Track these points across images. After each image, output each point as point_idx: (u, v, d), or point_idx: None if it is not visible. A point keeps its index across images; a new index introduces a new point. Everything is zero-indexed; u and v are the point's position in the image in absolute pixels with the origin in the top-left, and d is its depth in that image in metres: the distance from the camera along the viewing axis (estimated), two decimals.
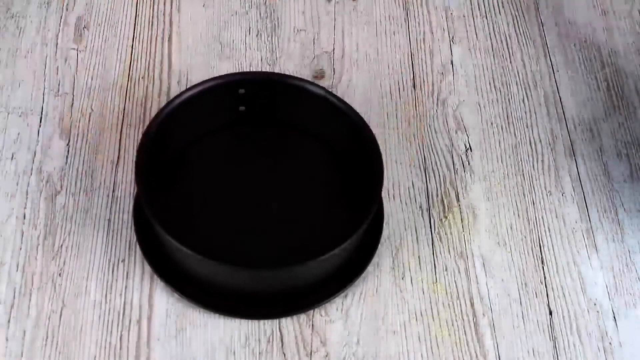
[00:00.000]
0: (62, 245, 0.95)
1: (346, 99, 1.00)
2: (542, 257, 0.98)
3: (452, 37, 1.16)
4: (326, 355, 0.90)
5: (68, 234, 0.95)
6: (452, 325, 0.92)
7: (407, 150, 1.05)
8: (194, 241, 0.87)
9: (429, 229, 0.99)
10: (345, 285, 0.93)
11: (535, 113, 1.10)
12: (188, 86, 1.02)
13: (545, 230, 1.00)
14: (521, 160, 1.05)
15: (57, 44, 1.11)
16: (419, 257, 0.97)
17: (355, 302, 0.93)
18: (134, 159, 0.93)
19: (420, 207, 1.00)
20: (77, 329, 0.89)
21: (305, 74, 1.10)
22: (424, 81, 1.11)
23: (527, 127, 1.08)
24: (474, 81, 1.12)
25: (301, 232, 0.95)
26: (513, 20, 1.19)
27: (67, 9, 1.14)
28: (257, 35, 1.15)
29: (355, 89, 1.10)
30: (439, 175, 1.03)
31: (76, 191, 0.99)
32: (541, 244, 0.99)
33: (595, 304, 0.95)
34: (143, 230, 0.94)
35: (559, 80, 1.13)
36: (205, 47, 1.13)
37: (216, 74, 1.03)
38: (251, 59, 1.12)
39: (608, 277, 0.97)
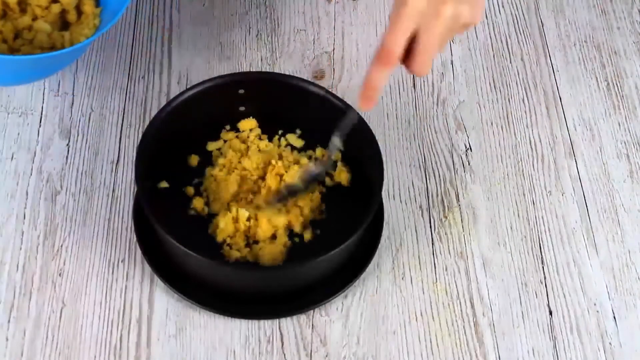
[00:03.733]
0: (62, 245, 0.95)
1: (346, 99, 1.00)
2: (542, 257, 0.97)
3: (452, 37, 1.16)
4: (326, 355, 0.90)
5: (68, 234, 0.95)
6: (452, 325, 0.92)
7: (407, 150, 1.05)
8: (194, 241, 0.87)
9: (429, 229, 0.99)
10: (345, 285, 0.93)
11: (535, 113, 1.10)
12: (188, 86, 1.02)
13: (545, 230, 1.00)
14: (521, 160, 1.05)
15: None
16: (419, 257, 0.97)
17: (355, 302, 0.93)
18: (134, 159, 0.93)
19: (420, 207, 1.00)
20: (77, 329, 0.89)
21: (305, 74, 1.10)
22: (424, 81, 1.11)
23: (527, 127, 1.08)
24: (474, 81, 1.12)
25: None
26: (513, 20, 1.19)
27: None
28: (257, 35, 1.14)
29: (355, 89, 1.10)
30: (439, 175, 1.03)
31: (76, 191, 0.99)
32: (541, 244, 0.98)
33: (595, 304, 0.95)
34: (143, 230, 0.94)
35: (559, 80, 1.13)
36: (205, 47, 1.13)
37: (216, 74, 1.03)
38: (251, 59, 1.12)
39: (608, 277, 0.97)
